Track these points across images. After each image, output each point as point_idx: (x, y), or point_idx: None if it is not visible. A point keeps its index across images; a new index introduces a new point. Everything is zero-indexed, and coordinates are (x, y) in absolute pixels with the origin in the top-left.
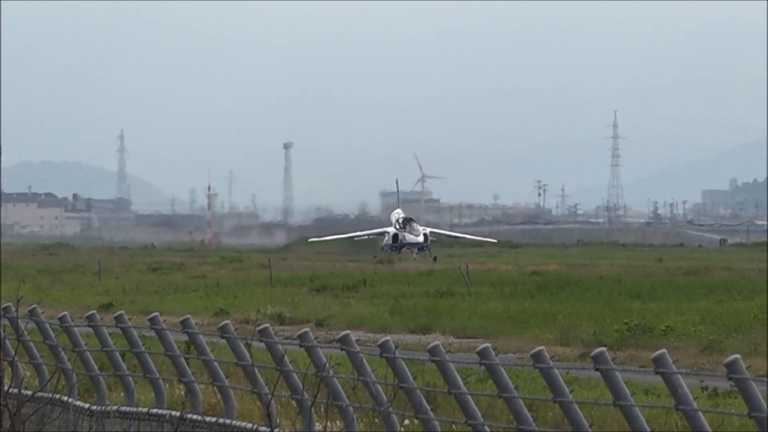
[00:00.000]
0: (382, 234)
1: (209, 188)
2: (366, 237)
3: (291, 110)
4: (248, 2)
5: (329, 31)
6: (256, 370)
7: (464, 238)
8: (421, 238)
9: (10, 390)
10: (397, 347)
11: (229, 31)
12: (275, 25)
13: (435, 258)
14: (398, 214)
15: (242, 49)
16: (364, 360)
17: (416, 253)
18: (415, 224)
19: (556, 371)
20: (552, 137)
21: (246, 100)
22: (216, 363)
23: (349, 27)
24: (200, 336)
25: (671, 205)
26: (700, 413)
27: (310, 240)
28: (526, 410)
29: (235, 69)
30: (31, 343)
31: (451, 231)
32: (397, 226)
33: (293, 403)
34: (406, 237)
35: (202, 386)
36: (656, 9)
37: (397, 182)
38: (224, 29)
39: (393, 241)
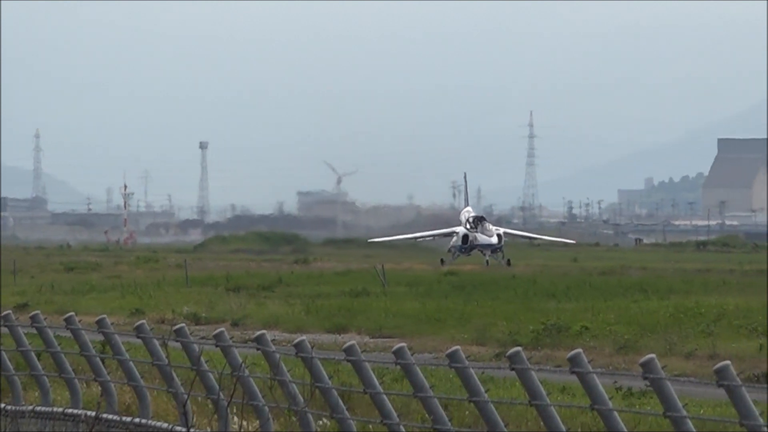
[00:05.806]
0: (450, 234)
1: (125, 187)
2: (431, 237)
3: (207, 109)
4: (164, 0)
5: (243, 29)
6: (172, 370)
7: (540, 239)
8: (494, 239)
9: None
10: (312, 347)
11: (145, 29)
12: (191, 23)
13: (509, 261)
14: (468, 212)
15: (159, 48)
16: (280, 360)
17: (489, 256)
18: (487, 224)
19: (472, 371)
20: (468, 137)
21: (162, 99)
22: (132, 363)
23: (261, 25)
24: (116, 336)
25: (587, 204)
26: (615, 413)
27: (369, 240)
28: (441, 409)
29: (152, 67)
30: None
31: (524, 231)
32: (468, 226)
33: (209, 402)
34: (478, 237)
35: (118, 386)
36: (573, 9)
37: (465, 177)
38: (140, 27)
39: (463, 242)
